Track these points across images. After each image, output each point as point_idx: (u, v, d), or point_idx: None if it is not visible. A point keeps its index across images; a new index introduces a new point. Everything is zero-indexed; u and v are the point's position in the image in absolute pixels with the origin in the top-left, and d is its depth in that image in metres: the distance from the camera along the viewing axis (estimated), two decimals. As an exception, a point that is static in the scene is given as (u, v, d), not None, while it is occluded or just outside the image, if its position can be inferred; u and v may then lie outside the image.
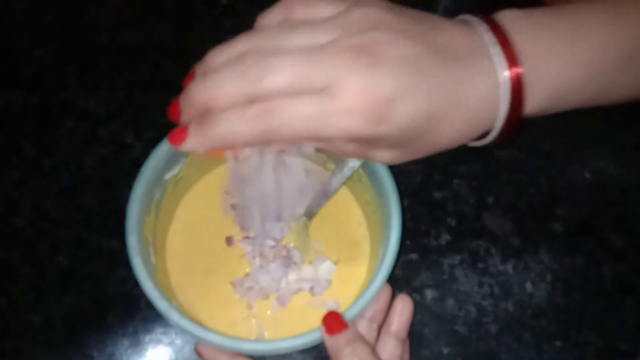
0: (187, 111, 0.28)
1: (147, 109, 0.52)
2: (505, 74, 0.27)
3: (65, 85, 0.54)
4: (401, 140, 0.27)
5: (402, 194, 0.40)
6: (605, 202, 0.49)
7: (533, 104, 0.29)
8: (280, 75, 0.25)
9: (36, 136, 0.51)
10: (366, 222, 0.47)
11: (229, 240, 0.45)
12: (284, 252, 0.44)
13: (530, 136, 0.52)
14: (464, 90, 0.27)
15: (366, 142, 0.28)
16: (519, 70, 0.27)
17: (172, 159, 0.42)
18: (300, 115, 0.25)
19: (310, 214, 0.44)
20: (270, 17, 0.28)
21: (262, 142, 0.27)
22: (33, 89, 0.53)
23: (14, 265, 0.46)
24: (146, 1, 0.58)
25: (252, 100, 0.26)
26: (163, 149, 0.40)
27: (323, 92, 0.25)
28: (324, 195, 0.41)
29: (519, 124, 0.29)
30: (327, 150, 0.31)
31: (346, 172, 0.38)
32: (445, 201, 0.49)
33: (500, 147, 0.31)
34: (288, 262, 0.43)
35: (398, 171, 0.50)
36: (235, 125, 0.26)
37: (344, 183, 0.46)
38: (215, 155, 0.29)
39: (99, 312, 0.44)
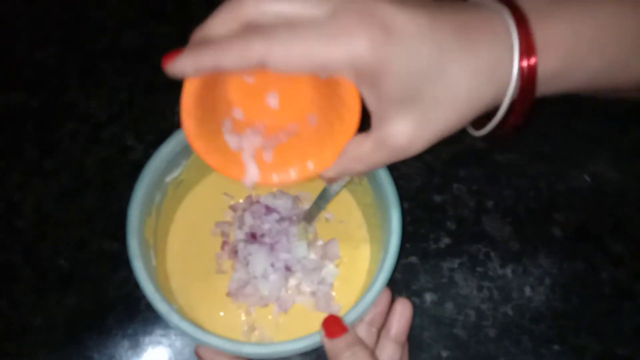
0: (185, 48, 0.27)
1: (149, 111, 0.52)
2: (516, 34, 0.26)
3: (67, 87, 0.54)
4: (411, 82, 0.26)
5: (402, 197, 0.41)
6: (604, 207, 0.50)
7: (547, 62, 0.27)
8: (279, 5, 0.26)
9: (37, 138, 0.51)
10: (366, 225, 0.47)
11: (224, 245, 0.45)
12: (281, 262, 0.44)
13: (529, 141, 0.52)
14: (472, 35, 0.26)
15: (375, 80, 0.26)
16: (529, 30, 0.26)
17: (173, 162, 0.42)
18: (301, 33, 0.25)
19: (310, 218, 0.44)
20: None
21: (257, 63, 0.25)
22: (34, 91, 0.54)
23: (15, 267, 0.46)
24: (147, 3, 0.58)
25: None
26: (164, 152, 0.40)
27: (324, 17, 0.25)
28: (324, 199, 0.41)
29: (534, 92, 0.27)
30: (341, 173, 0.31)
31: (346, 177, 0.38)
32: (445, 205, 0.49)
33: (510, 134, 0.29)
34: (287, 273, 0.44)
35: (398, 175, 0.50)
36: (229, 43, 0.25)
37: (345, 186, 0.46)
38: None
39: (99, 314, 0.44)
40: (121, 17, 0.58)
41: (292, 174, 0.32)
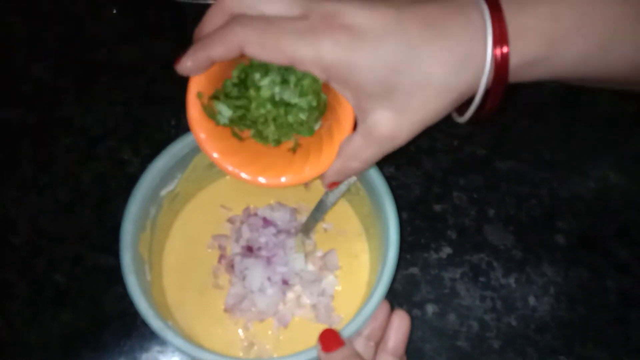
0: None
1: (145, 125, 0.52)
2: (486, 13, 0.27)
3: (63, 102, 0.54)
4: (383, 71, 0.27)
5: (402, 207, 0.40)
6: (607, 213, 0.49)
7: (525, 47, 0.27)
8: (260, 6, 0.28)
9: (34, 153, 0.51)
10: (365, 235, 0.46)
11: (221, 258, 0.45)
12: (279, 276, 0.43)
13: (530, 146, 0.51)
14: (443, 21, 0.27)
15: (350, 83, 0.28)
16: (501, 11, 0.27)
17: (168, 175, 0.41)
18: (274, 28, 0.27)
19: (307, 230, 0.43)
20: None
21: (237, 49, 0.28)
22: (31, 105, 0.54)
23: (11, 283, 0.46)
24: (143, 17, 0.58)
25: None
26: (158, 165, 0.40)
27: (296, 18, 0.27)
28: (321, 210, 0.41)
29: (507, 78, 0.28)
30: (340, 176, 0.32)
31: (342, 187, 0.38)
32: (445, 214, 0.49)
33: (489, 117, 0.30)
34: (285, 287, 0.43)
35: (397, 184, 0.50)
36: (215, 33, 0.28)
37: (343, 196, 0.46)
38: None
39: (95, 330, 0.44)
40: (117, 32, 0.58)
41: (287, 179, 0.33)
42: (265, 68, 0.30)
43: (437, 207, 0.49)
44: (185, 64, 0.29)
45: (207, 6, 0.54)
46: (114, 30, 0.58)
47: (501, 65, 0.27)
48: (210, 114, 0.31)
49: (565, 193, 0.49)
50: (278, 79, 0.30)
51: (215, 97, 0.31)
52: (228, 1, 0.29)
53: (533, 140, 0.52)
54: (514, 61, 0.27)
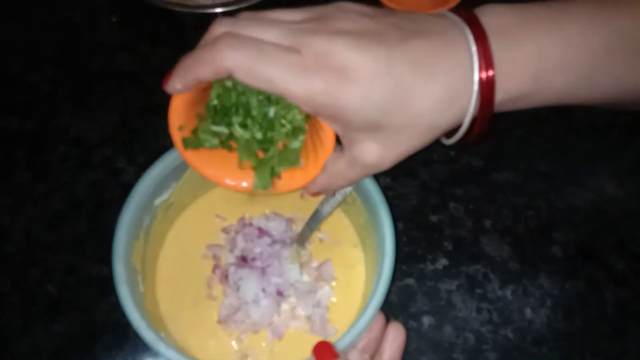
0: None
1: (141, 134, 0.52)
2: (474, 49, 0.27)
3: (59, 110, 0.54)
4: (371, 113, 0.27)
5: (398, 217, 0.40)
6: (604, 224, 0.49)
7: (513, 84, 0.28)
8: (248, 31, 0.28)
9: (29, 161, 0.51)
10: (361, 246, 0.46)
11: (216, 268, 0.44)
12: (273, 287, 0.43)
13: (526, 157, 0.51)
14: (432, 61, 0.27)
15: (338, 119, 0.28)
16: (488, 46, 0.27)
17: (163, 184, 0.41)
18: (266, 59, 0.27)
19: (302, 241, 0.43)
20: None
21: (227, 74, 0.27)
22: (27, 114, 0.53)
23: (3, 293, 0.45)
24: (140, 25, 0.59)
25: None
26: (152, 174, 0.40)
27: (289, 49, 0.27)
28: (316, 220, 0.41)
29: (493, 100, 0.28)
30: (325, 189, 0.32)
31: (338, 197, 0.38)
32: (441, 225, 0.48)
33: (476, 141, 0.31)
34: (279, 298, 0.42)
35: (393, 194, 0.49)
36: (204, 55, 0.27)
37: (339, 206, 0.46)
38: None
39: (87, 341, 0.43)
40: (114, 40, 0.58)
41: (281, 184, 0.33)
42: (245, 106, 0.30)
43: (434, 218, 0.49)
44: (174, 86, 0.29)
45: (205, 15, 0.55)
46: (111, 39, 0.58)
47: (487, 102, 0.28)
48: (196, 142, 0.32)
49: (562, 204, 0.49)
50: (259, 117, 0.30)
51: (196, 130, 0.32)
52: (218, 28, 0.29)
53: (529, 151, 0.52)
54: (499, 97, 0.28)
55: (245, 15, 0.29)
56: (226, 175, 0.33)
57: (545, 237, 0.48)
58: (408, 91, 0.27)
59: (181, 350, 0.35)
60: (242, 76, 0.27)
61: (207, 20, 0.57)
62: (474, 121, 0.29)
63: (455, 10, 0.29)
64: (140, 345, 0.43)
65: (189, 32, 0.58)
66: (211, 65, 0.27)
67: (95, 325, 0.44)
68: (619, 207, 0.49)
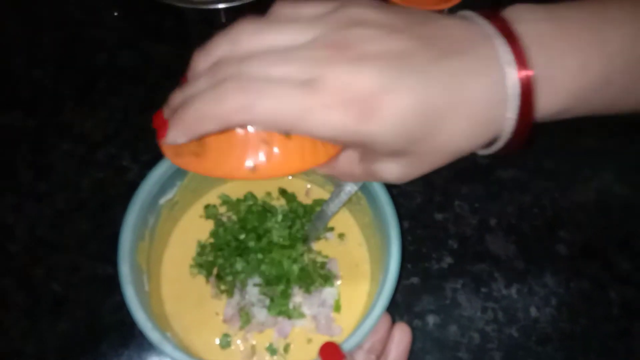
0: (168, 112, 0.27)
1: (145, 131, 0.51)
2: (512, 69, 0.24)
3: (63, 107, 0.53)
4: (399, 143, 0.25)
5: (402, 216, 0.40)
6: (610, 223, 0.48)
7: (551, 103, 0.26)
8: (255, 70, 0.24)
9: (32, 159, 0.51)
10: (366, 244, 0.46)
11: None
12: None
13: (532, 156, 0.51)
14: (465, 84, 0.25)
15: (360, 147, 0.26)
16: (526, 64, 0.24)
17: (167, 183, 0.41)
18: (277, 99, 0.24)
19: (306, 240, 0.43)
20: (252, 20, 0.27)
21: (236, 124, 0.25)
22: (31, 111, 0.53)
23: (8, 292, 0.45)
24: (144, 22, 0.58)
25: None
26: (157, 174, 0.40)
27: (304, 85, 0.24)
28: (322, 219, 0.40)
29: (531, 124, 0.26)
30: (333, 175, 0.31)
31: (343, 196, 0.38)
32: (446, 223, 0.48)
33: (511, 152, 0.29)
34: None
35: (398, 192, 0.49)
36: (208, 101, 0.24)
37: (344, 205, 0.45)
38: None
39: (93, 340, 0.43)
40: (118, 36, 0.57)
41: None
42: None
43: (439, 216, 0.49)
44: (176, 140, 0.25)
45: (208, 11, 0.54)
46: (115, 35, 0.57)
47: (523, 128, 0.26)
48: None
49: (567, 203, 0.49)
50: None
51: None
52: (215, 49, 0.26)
53: (535, 149, 0.51)
54: (536, 116, 0.26)
55: (247, 30, 0.26)
56: (225, 164, 0.32)
57: (550, 236, 0.48)
58: (439, 120, 0.25)
59: (186, 350, 0.36)
60: (255, 127, 0.25)
61: (210, 16, 0.57)
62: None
63: (484, 12, 0.26)
64: (146, 343, 0.43)
65: (193, 28, 0.57)
66: (219, 122, 0.24)
67: (101, 324, 0.44)
68: (624, 205, 0.49)
